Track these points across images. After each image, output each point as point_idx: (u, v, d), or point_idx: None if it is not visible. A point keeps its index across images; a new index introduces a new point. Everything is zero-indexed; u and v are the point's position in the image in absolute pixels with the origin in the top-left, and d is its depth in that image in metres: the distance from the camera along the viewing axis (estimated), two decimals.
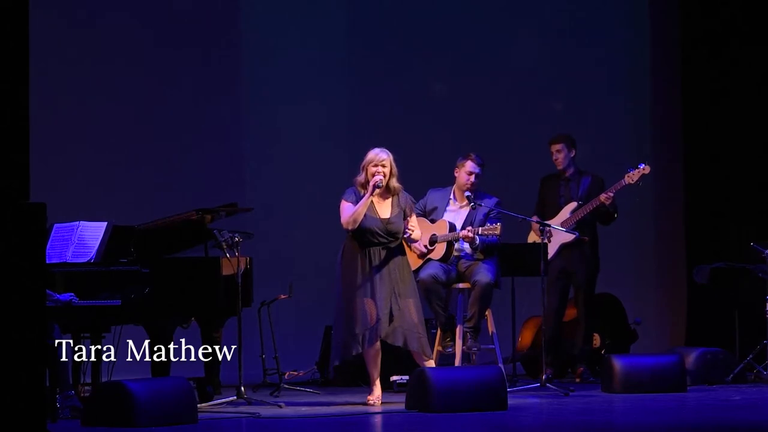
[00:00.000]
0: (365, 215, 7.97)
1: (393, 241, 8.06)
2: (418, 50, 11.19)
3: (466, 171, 8.85)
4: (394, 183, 8.05)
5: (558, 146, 9.62)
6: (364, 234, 7.98)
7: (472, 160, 8.85)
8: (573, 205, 9.50)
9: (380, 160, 8.00)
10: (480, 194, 8.87)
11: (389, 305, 7.92)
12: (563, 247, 9.43)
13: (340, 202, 8.05)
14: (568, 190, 9.60)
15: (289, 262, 10.46)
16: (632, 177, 9.30)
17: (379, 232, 8.00)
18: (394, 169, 8.04)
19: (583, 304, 9.59)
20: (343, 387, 9.22)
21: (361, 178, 8.04)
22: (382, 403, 8.03)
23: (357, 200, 7.97)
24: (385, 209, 8.06)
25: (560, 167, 9.62)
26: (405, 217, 8.12)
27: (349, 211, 7.96)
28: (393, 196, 8.08)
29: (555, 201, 9.59)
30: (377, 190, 7.96)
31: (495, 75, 11.28)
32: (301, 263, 10.50)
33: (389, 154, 8.03)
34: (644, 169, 9.30)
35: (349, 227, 7.97)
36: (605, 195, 9.34)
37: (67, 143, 10.15)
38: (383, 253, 8.00)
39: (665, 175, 11.39)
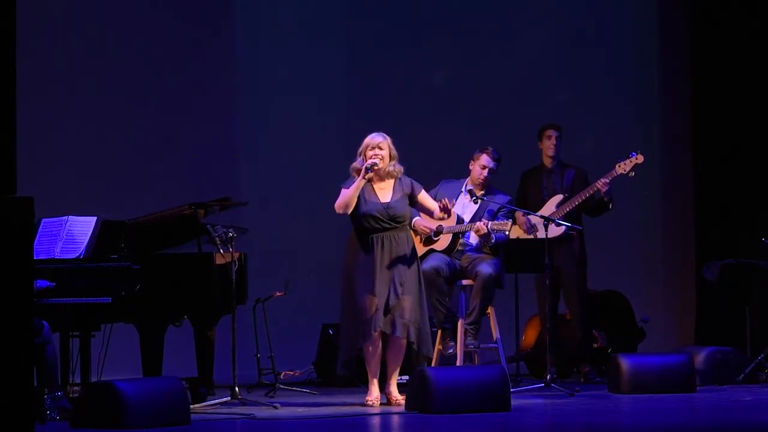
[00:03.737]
0: (365, 200, 7.96)
1: (396, 227, 8.02)
2: (419, 39, 11.19)
3: (480, 164, 8.83)
4: (395, 166, 8.04)
5: (557, 133, 9.60)
6: (365, 219, 7.96)
7: (488, 154, 8.83)
8: (558, 197, 9.47)
9: (377, 143, 7.99)
10: (493, 190, 8.85)
11: (386, 296, 7.91)
12: (551, 243, 9.35)
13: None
14: (551, 183, 9.58)
15: (285, 258, 10.46)
16: (624, 167, 9.24)
17: (380, 216, 7.97)
18: (393, 152, 8.04)
19: (578, 304, 9.55)
20: (341, 387, 9.22)
21: (357, 164, 8.03)
22: (381, 403, 8.03)
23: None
24: (385, 194, 8.04)
25: (551, 154, 9.59)
26: (411, 203, 8.10)
27: (341, 196, 7.96)
28: (394, 180, 8.07)
29: (538, 194, 9.55)
30: (370, 174, 7.94)
31: (497, 65, 11.28)
32: (298, 259, 10.50)
33: (386, 137, 8.03)
34: (636, 158, 9.23)
35: (340, 211, 7.95)
36: (602, 181, 9.27)
37: (55, 135, 10.14)
38: (386, 242, 7.97)
39: (674, 169, 11.40)
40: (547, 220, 8.90)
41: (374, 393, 8.04)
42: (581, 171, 9.61)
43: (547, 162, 9.63)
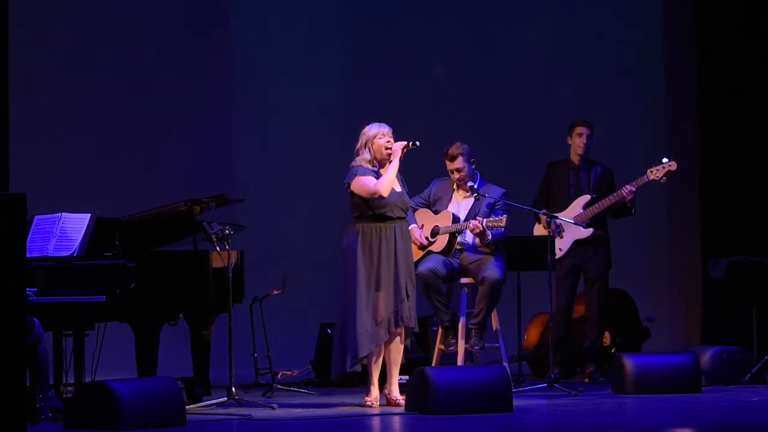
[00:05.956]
0: None
1: (404, 217, 8.11)
2: (419, 31, 11.18)
3: (450, 170, 8.83)
4: None
5: (587, 130, 9.56)
6: (389, 208, 7.98)
7: (448, 159, 8.80)
8: (586, 198, 9.46)
9: (386, 132, 8.02)
10: (485, 184, 8.84)
11: (405, 284, 7.96)
12: (577, 243, 9.42)
13: (349, 181, 7.94)
14: (578, 181, 9.56)
15: (283, 256, 10.46)
16: (656, 173, 9.23)
17: (399, 205, 8.02)
18: None
19: (597, 301, 9.58)
20: (339, 387, 9.24)
21: (366, 155, 8.03)
22: (380, 404, 8.04)
23: (373, 175, 7.94)
24: (396, 184, 8.07)
25: (580, 153, 9.55)
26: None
27: (373, 181, 7.91)
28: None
29: (565, 191, 9.55)
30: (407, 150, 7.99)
31: (500, 57, 11.28)
32: (295, 257, 10.50)
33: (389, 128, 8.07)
34: (670, 165, 9.21)
35: (384, 194, 7.87)
36: (628, 189, 9.28)
37: (48, 131, 10.14)
38: (403, 232, 8.05)
39: (680, 165, 11.36)
40: (550, 218, 8.91)
41: (374, 393, 8.05)
42: (607, 169, 9.59)
43: (575, 159, 9.61)
